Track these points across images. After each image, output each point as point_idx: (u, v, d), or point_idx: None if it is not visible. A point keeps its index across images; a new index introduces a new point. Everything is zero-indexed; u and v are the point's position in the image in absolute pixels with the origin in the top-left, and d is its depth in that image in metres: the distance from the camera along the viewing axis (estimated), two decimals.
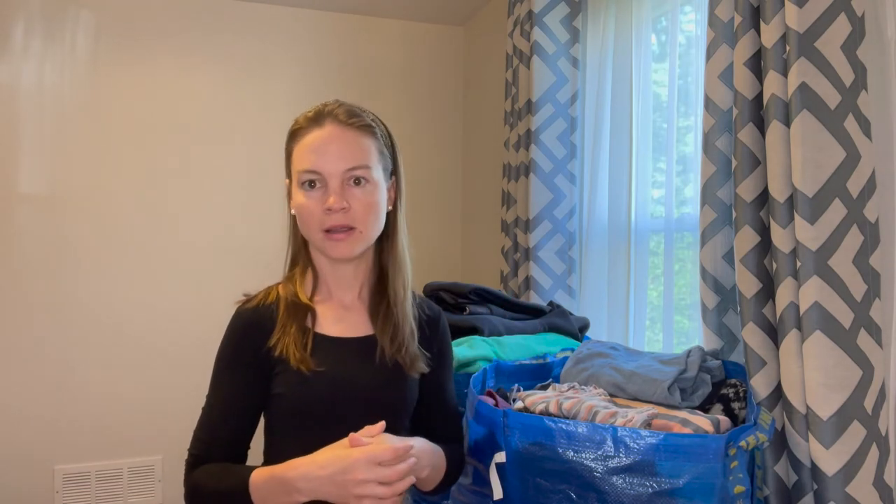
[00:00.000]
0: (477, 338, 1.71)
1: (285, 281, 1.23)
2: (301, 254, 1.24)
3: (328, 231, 1.14)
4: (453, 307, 1.86)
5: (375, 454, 1.01)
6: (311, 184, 1.14)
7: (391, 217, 1.22)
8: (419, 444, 1.13)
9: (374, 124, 1.19)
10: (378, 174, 1.17)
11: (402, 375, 1.21)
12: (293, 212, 1.20)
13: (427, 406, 1.27)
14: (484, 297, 1.88)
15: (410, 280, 1.25)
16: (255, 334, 1.15)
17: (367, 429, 1.07)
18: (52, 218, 2.81)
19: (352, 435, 1.05)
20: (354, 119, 1.17)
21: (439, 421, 1.30)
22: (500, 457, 1.17)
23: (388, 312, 1.22)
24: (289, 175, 1.21)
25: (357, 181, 1.15)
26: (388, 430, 1.12)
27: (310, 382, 1.13)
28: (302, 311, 1.18)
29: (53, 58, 2.81)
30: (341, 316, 1.22)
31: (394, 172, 1.23)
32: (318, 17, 3.18)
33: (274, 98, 3.09)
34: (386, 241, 1.23)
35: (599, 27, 2.25)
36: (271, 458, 1.16)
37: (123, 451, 2.89)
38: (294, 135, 1.18)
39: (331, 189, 1.13)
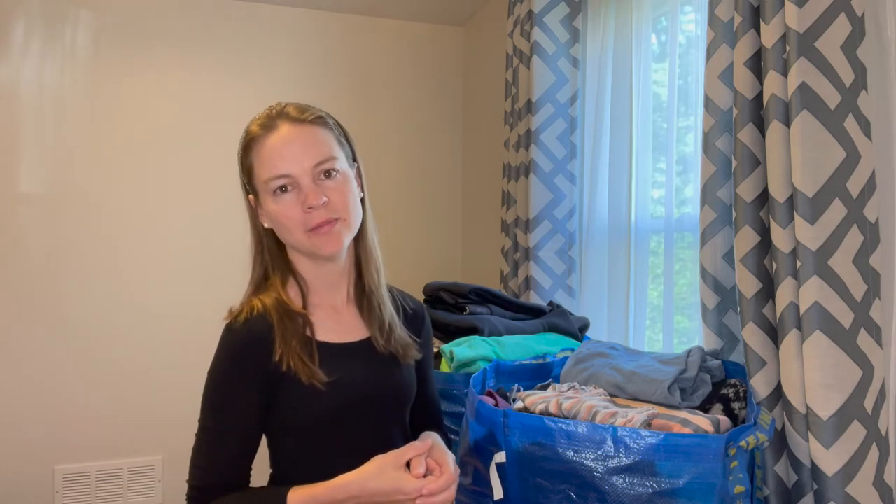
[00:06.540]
0: (477, 338, 1.71)
1: (265, 293, 1.15)
2: (278, 266, 1.18)
3: (313, 229, 1.10)
4: (453, 307, 1.86)
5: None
6: (283, 188, 1.10)
7: (362, 204, 1.19)
8: (449, 456, 1.13)
9: (324, 115, 1.17)
10: (343, 164, 1.15)
11: (401, 366, 1.22)
12: (266, 225, 1.16)
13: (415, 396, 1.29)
14: (484, 297, 1.88)
15: (382, 266, 1.23)
16: (257, 350, 1.09)
17: (412, 448, 1.06)
18: (52, 218, 2.81)
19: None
20: (306, 114, 1.14)
21: (425, 410, 1.33)
22: (500, 457, 1.17)
23: (371, 301, 1.20)
24: (250, 190, 1.17)
25: (328, 174, 1.12)
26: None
27: (322, 394, 1.10)
28: (298, 321, 1.13)
29: (53, 58, 2.81)
30: (336, 320, 1.19)
31: (354, 160, 1.21)
32: (319, 17, 3.18)
33: (274, 98, 3.06)
34: (358, 230, 1.19)
35: (599, 27, 2.24)
36: (284, 473, 1.14)
37: (123, 451, 2.89)
38: (249, 146, 1.14)
39: (304, 188, 1.10)
